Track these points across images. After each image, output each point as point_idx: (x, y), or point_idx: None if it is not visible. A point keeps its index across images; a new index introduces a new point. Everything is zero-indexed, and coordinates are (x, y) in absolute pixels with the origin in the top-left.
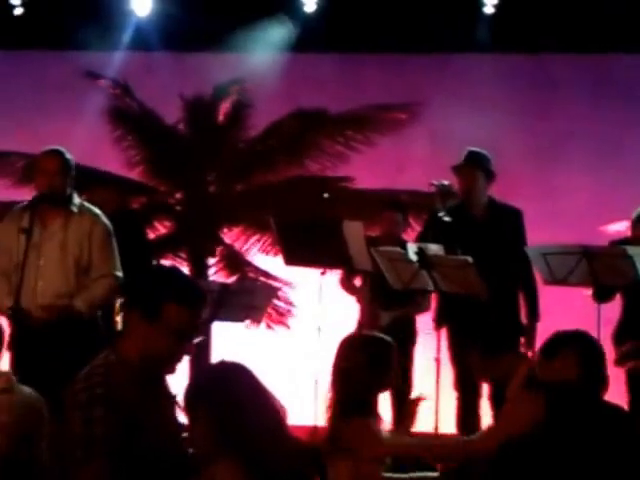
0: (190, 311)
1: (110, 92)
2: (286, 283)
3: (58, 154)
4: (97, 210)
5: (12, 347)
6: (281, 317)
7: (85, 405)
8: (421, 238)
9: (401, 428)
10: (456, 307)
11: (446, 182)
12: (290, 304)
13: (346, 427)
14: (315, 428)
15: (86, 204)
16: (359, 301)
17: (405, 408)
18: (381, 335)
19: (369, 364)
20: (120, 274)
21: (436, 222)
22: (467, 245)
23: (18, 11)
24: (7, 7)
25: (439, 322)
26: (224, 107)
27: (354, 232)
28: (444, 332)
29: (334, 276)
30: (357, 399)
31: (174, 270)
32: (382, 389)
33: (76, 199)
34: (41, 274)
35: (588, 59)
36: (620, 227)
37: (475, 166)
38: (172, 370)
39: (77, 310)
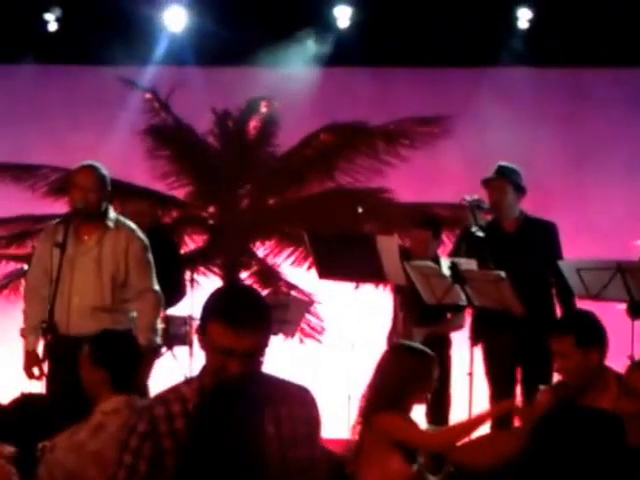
0: (231, 328)
1: (147, 105)
2: (316, 298)
3: (93, 169)
4: (133, 225)
5: (48, 360)
6: (313, 331)
7: (127, 429)
8: (454, 253)
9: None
10: (491, 323)
11: (477, 197)
12: (320, 319)
13: (382, 418)
14: (348, 442)
15: (122, 219)
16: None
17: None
18: (426, 348)
19: (410, 372)
20: (158, 288)
21: (469, 237)
22: (500, 260)
23: (52, 26)
24: (41, 22)
25: (475, 339)
26: (254, 122)
27: (388, 246)
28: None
29: (367, 290)
30: (392, 403)
31: (229, 288)
32: (417, 399)
33: (112, 214)
34: (76, 289)
35: (622, 73)
36: None
37: (504, 180)
38: (235, 385)
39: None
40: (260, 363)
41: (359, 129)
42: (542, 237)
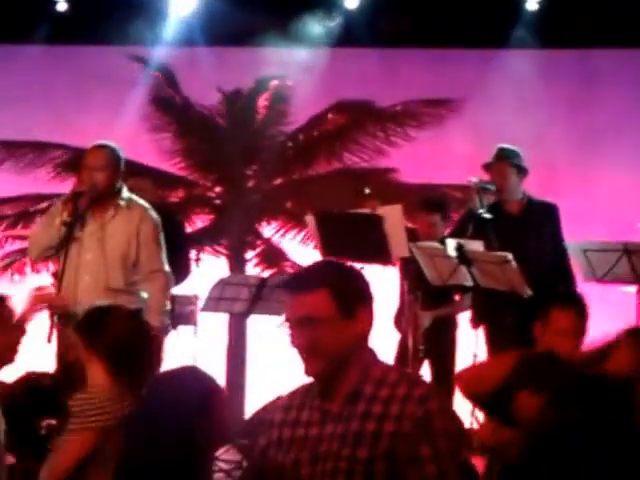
0: None
1: (154, 81)
2: None
3: (103, 148)
4: (146, 204)
5: (57, 339)
6: None
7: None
8: (457, 234)
9: None
10: (493, 305)
11: (483, 179)
12: None
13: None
14: None
15: (135, 197)
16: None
17: None
18: None
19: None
20: (168, 269)
21: (475, 219)
22: (504, 241)
23: (61, 7)
24: (50, 2)
25: (476, 321)
26: (263, 101)
27: (393, 216)
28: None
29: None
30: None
31: None
32: None
33: (125, 193)
34: (86, 269)
35: (631, 53)
36: None
37: (506, 162)
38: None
39: (157, 328)
40: None
41: (367, 108)
42: (545, 219)
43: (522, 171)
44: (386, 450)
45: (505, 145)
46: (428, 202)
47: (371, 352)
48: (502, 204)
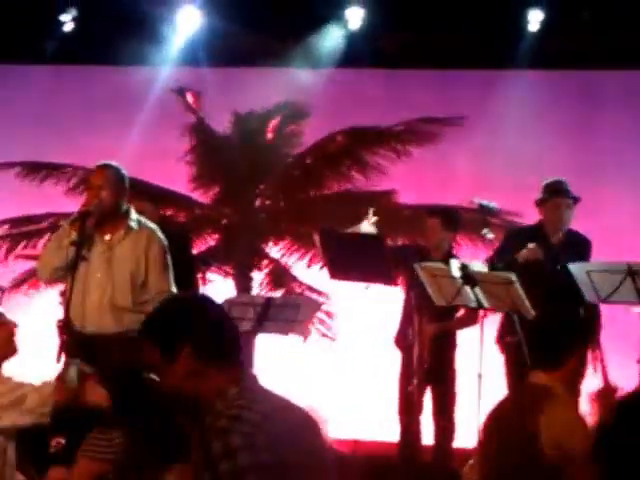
0: None
1: (178, 105)
2: (328, 298)
3: (107, 168)
4: (154, 225)
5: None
6: (327, 331)
7: None
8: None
9: None
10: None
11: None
12: (331, 317)
13: None
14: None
15: (144, 219)
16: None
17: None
18: None
19: None
20: (175, 290)
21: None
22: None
23: (68, 27)
24: (57, 23)
25: (503, 337)
26: (273, 123)
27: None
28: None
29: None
30: None
31: None
32: None
33: (134, 214)
34: (94, 287)
35: (633, 76)
36: None
37: (568, 197)
38: None
39: None
40: None
41: (374, 133)
42: (581, 252)
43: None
44: None
45: (558, 179)
46: (431, 208)
47: None
48: (545, 232)
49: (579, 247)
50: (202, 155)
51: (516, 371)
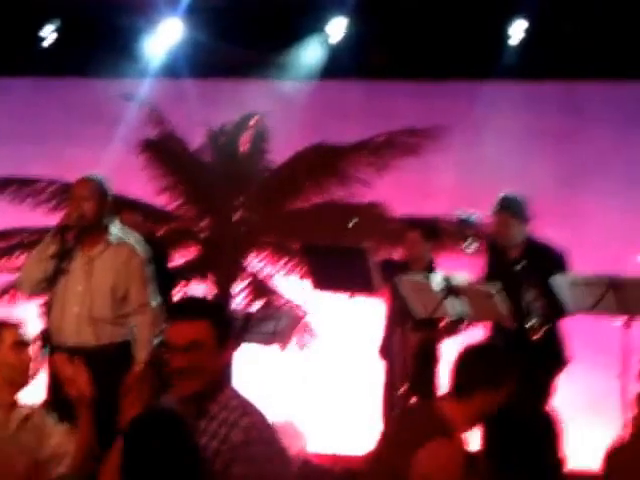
0: None
1: (144, 118)
2: (308, 309)
3: (89, 180)
4: (135, 238)
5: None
6: (308, 341)
7: None
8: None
9: None
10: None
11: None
12: (311, 330)
13: None
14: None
15: (124, 235)
16: None
17: None
18: None
19: None
20: (156, 303)
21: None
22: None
23: (47, 40)
24: (36, 36)
25: None
26: (246, 136)
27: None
28: None
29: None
30: None
31: None
32: None
33: (114, 229)
34: (74, 300)
35: (615, 86)
36: None
37: (507, 213)
38: None
39: (143, 361)
40: None
41: (348, 147)
42: (545, 265)
43: (525, 220)
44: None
45: (508, 193)
46: (411, 221)
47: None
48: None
49: (542, 261)
50: (175, 169)
51: None
